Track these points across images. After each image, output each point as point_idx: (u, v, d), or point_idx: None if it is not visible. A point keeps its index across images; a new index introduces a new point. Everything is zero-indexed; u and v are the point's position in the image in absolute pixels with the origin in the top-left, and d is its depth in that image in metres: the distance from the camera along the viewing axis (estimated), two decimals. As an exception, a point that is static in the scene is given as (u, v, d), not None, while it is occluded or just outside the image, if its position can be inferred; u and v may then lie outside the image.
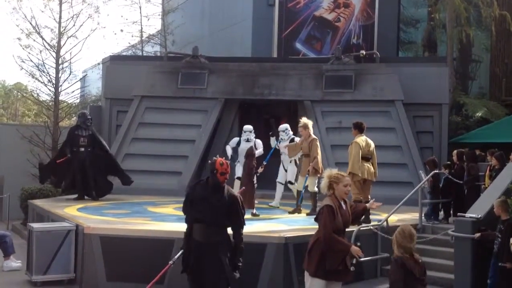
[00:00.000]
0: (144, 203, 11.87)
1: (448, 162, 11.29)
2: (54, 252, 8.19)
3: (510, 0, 19.90)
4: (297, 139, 11.38)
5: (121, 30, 23.54)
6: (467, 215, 7.62)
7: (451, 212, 10.37)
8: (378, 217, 9.66)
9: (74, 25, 17.49)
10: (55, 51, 17.43)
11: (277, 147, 11.81)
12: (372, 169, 9.34)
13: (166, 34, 21.24)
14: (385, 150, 12.82)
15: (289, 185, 11.62)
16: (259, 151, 11.72)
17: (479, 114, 17.51)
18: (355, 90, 15.19)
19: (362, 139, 9.32)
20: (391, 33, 19.19)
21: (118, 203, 11.88)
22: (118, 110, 16.38)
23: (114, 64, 17.29)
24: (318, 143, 10.48)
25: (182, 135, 15.01)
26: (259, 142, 12.07)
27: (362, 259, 5.52)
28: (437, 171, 10.31)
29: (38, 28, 17.47)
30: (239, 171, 11.74)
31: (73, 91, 18.87)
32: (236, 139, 12.44)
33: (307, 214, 10.17)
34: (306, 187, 10.50)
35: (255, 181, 10.32)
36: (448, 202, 10.47)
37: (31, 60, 17.72)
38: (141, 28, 22.85)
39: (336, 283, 5.36)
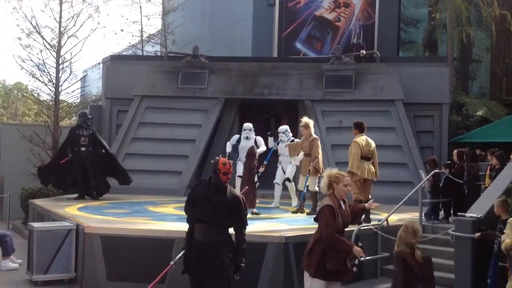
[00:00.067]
0: (144, 203, 11.88)
1: (449, 162, 11.27)
2: (54, 252, 8.21)
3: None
4: (296, 141, 11.39)
5: (122, 30, 23.46)
6: (467, 214, 7.62)
7: (451, 211, 10.36)
8: (378, 217, 9.68)
9: (74, 24, 17.44)
10: (55, 50, 17.40)
11: (275, 148, 11.80)
12: (372, 168, 9.32)
13: (167, 34, 21.23)
14: (385, 150, 12.81)
15: (286, 182, 11.63)
16: (261, 148, 11.68)
17: (479, 113, 17.52)
18: (356, 90, 15.18)
19: (362, 139, 9.31)
20: (392, 33, 19.20)
21: (119, 202, 11.90)
22: (119, 109, 16.37)
23: (115, 63, 17.28)
24: (319, 143, 10.52)
25: (182, 134, 15.01)
26: (260, 139, 12.01)
27: (362, 258, 5.52)
28: (437, 170, 10.29)
29: (39, 27, 17.44)
30: (240, 169, 11.75)
31: (73, 91, 18.81)
32: (236, 136, 12.39)
33: (308, 214, 10.19)
34: (306, 187, 10.50)
35: (256, 181, 10.32)
36: (448, 201, 10.46)
37: (32, 60, 17.68)
38: (142, 27, 22.89)
39: (336, 283, 5.37)
